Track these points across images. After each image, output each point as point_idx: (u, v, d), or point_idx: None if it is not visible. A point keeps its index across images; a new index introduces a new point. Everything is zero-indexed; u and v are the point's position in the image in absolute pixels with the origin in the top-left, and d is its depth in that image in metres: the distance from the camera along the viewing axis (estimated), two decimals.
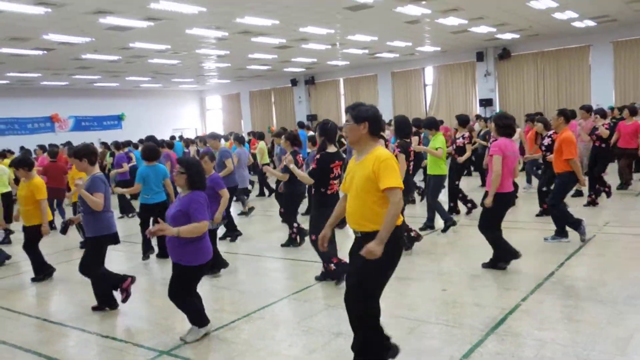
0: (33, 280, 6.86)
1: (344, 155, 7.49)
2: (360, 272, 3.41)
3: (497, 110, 20.18)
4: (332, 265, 5.63)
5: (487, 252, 6.02)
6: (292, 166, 5.94)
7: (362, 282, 3.41)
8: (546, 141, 8.12)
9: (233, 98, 30.59)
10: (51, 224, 8.61)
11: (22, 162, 6.79)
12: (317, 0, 11.53)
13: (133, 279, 5.47)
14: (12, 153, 16.17)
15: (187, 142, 16.83)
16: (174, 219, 4.30)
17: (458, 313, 4.74)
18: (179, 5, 11.08)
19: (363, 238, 3.38)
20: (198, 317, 4.52)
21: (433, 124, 8.22)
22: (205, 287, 5.86)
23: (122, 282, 5.38)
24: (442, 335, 4.30)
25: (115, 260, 7.51)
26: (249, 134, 19.30)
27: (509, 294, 5.13)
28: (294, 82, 27.19)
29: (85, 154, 5.34)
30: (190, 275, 4.43)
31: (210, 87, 30.85)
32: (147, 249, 7.63)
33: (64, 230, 6.03)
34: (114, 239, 5.45)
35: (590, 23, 16.98)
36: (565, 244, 6.68)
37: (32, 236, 6.77)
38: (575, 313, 4.55)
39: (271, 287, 6.01)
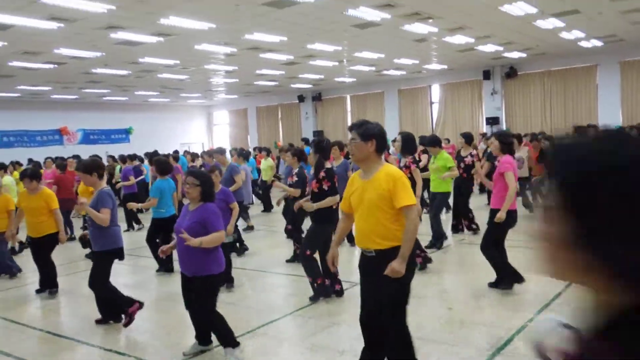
0: (38, 292, 6.85)
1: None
2: (383, 292, 3.35)
3: (504, 129, 20.19)
4: (316, 284, 5.66)
5: (493, 270, 5.99)
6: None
7: (390, 303, 3.38)
8: None
9: (240, 113, 30.76)
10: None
11: (35, 175, 6.85)
12: (325, 17, 11.65)
13: (141, 305, 5.39)
14: (21, 165, 16.27)
15: (193, 157, 16.92)
16: (190, 230, 4.17)
17: (464, 332, 4.71)
18: (189, 22, 11.22)
19: (377, 256, 3.36)
20: (231, 336, 4.34)
21: (436, 142, 8.24)
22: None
23: (130, 306, 5.31)
24: (447, 355, 4.26)
25: (121, 273, 7.50)
26: (254, 149, 19.39)
27: (515, 314, 5.09)
28: (301, 98, 27.34)
29: (94, 168, 5.38)
30: (216, 284, 4.33)
31: (218, 102, 31.06)
32: (166, 262, 7.48)
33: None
34: (120, 254, 5.44)
35: (597, 43, 17.03)
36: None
37: (47, 246, 6.71)
38: None
39: (275, 303, 5.99)
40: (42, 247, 6.71)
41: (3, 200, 7.40)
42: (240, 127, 30.91)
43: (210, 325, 4.38)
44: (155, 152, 12.62)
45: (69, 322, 5.85)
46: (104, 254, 5.31)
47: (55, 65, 15.37)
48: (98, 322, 5.48)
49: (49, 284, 6.76)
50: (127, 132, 27.80)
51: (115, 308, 5.45)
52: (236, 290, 6.57)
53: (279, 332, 5.05)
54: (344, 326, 4.99)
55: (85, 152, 19.99)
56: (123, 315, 5.34)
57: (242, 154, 11.58)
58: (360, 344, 4.53)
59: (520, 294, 5.65)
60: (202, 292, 4.23)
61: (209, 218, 4.24)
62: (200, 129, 32.18)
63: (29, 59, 14.26)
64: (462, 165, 8.91)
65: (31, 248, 6.94)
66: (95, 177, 5.36)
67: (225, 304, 6.06)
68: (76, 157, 15.62)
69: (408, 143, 7.02)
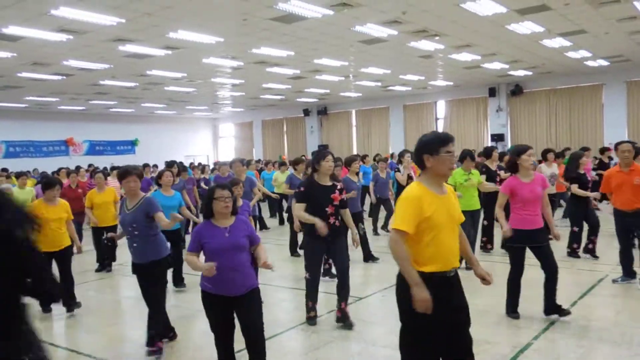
0: (48, 310, 6.41)
1: None
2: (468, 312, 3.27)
3: (509, 146, 20.17)
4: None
5: (498, 287, 5.93)
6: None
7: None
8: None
9: (246, 126, 30.90)
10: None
11: (61, 184, 6.55)
12: (332, 33, 11.73)
13: (175, 335, 5.19)
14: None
15: (203, 168, 16.68)
16: (242, 248, 3.85)
17: None
18: (197, 35, 11.32)
19: (456, 274, 3.21)
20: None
21: (472, 156, 7.92)
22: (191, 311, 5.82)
23: (169, 333, 5.08)
24: None
25: (130, 287, 7.48)
26: (257, 161, 19.33)
27: (520, 331, 5.04)
28: (307, 112, 27.45)
29: (141, 174, 5.21)
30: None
31: (223, 115, 31.22)
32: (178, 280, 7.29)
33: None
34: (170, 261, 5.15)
35: (604, 62, 17.07)
36: (578, 283, 6.59)
37: (69, 259, 6.44)
38: (589, 354, 4.45)
39: (279, 317, 5.95)
40: (66, 261, 6.38)
41: None
42: (246, 140, 31.03)
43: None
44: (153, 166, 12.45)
45: (90, 339, 5.78)
46: (162, 261, 4.91)
47: (63, 77, 15.50)
48: (154, 352, 4.78)
49: (66, 299, 6.31)
50: (133, 143, 27.93)
51: (165, 329, 5.11)
52: None
53: (282, 346, 5.01)
54: (346, 341, 4.95)
55: (91, 163, 20.11)
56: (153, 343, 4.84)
57: (244, 164, 11.49)
58: (363, 358, 4.50)
59: (525, 312, 5.58)
60: (260, 307, 3.99)
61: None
62: (206, 141, 32.31)
63: (38, 70, 14.40)
64: (497, 179, 8.38)
65: (55, 261, 6.28)
66: (139, 183, 5.05)
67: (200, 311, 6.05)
68: (77, 168, 15.60)
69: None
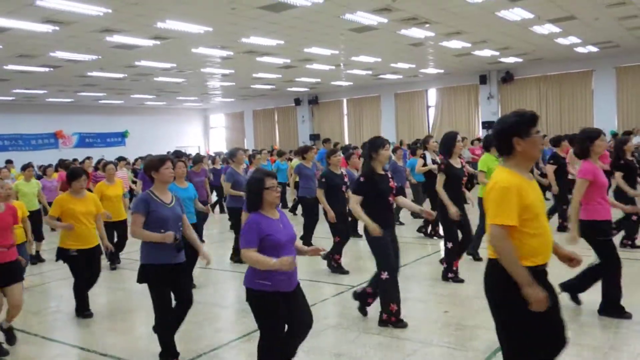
0: (88, 315, 5.81)
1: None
2: None
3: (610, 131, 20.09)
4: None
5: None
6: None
7: None
8: None
9: (237, 116, 30.78)
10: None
11: (86, 173, 5.96)
12: (322, 21, 11.66)
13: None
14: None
15: (214, 158, 15.38)
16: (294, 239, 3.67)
17: (461, 335, 4.69)
18: (185, 25, 11.21)
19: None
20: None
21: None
22: (206, 307, 5.85)
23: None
24: (444, 357, 4.25)
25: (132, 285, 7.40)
26: (245, 150, 19.05)
27: None
28: (298, 102, 27.36)
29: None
30: None
31: (214, 105, 31.06)
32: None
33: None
34: None
35: (593, 49, 17.11)
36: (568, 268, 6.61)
37: (99, 259, 5.89)
38: (579, 337, 4.49)
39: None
40: (96, 260, 5.80)
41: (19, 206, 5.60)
42: (237, 130, 30.93)
43: None
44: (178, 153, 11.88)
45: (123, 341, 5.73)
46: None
47: (51, 69, 15.33)
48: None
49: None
50: (123, 135, 27.75)
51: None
52: (230, 293, 6.54)
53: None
54: (340, 329, 4.95)
55: (81, 155, 19.91)
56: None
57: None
58: (356, 347, 4.51)
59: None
60: None
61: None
62: (197, 132, 32.16)
63: (24, 62, 14.22)
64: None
65: (86, 261, 5.75)
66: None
67: (221, 307, 6.04)
68: (75, 161, 15.40)
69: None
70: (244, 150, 8.42)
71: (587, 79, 19.98)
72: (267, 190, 3.49)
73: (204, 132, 32.73)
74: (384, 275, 4.80)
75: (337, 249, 7.08)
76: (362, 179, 4.87)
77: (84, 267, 5.68)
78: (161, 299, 4.21)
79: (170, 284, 4.26)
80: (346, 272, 6.97)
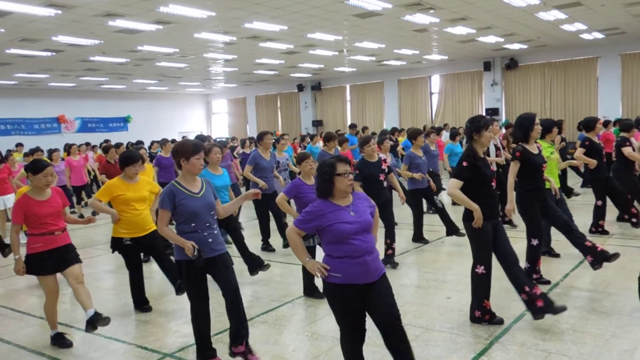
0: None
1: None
2: None
3: (503, 120, 20.18)
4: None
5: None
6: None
7: None
8: None
9: (239, 102, 30.70)
10: None
11: (142, 159, 5.69)
12: (325, 7, 11.58)
13: None
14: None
15: (243, 142, 14.51)
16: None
17: (463, 321, 4.72)
18: (188, 10, 11.15)
19: None
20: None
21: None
22: (210, 291, 5.84)
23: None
24: (446, 343, 4.29)
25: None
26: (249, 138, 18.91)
27: (513, 303, 5.09)
28: (301, 88, 27.27)
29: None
30: None
31: (216, 90, 30.97)
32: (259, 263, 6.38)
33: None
34: None
35: (599, 35, 16.98)
36: (570, 255, 6.64)
37: (160, 242, 5.47)
38: (580, 324, 4.52)
39: (275, 292, 6.00)
40: (156, 245, 5.42)
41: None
42: (239, 116, 30.87)
43: None
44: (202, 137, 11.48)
45: (70, 310, 5.81)
46: None
47: (53, 53, 15.28)
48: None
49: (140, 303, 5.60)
50: (126, 120, 27.73)
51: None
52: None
53: (279, 320, 5.06)
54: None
55: (84, 140, 19.98)
56: None
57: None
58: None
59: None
60: None
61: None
62: (199, 118, 32.11)
63: (27, 47, 14.18)
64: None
65: (144, 251, 5.60)
66: None
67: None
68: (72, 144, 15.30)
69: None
70: (271, 133, 8.12)
71: (592, 66, 19.85)
72: (339, 177, 3.27)
73: (206, 118, 32.68)
74: (480, 269, 4.59)
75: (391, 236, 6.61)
76: (464, 164, 4.47)
77: (139, 258, 5.50)
78: (192, 297, 4.04)
79: (211, 277, 4.03)
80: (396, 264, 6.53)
